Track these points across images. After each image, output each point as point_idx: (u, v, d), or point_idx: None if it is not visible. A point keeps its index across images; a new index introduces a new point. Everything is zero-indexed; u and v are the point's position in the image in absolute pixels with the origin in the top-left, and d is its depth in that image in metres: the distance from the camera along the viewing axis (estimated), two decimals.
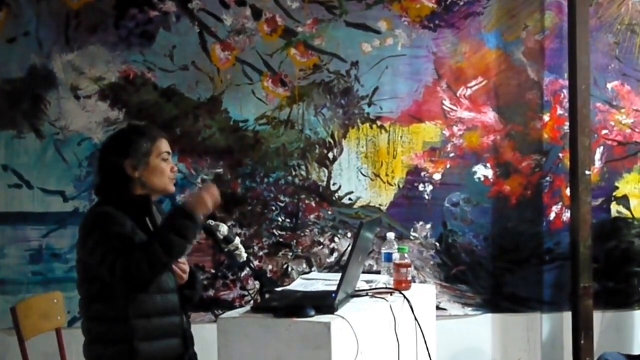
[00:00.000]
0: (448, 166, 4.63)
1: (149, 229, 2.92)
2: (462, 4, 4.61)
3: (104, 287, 2.82)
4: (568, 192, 4.64)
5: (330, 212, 4.58)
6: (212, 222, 2.93)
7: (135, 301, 2.82)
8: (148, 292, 2.83)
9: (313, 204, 4.57)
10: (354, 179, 4.60)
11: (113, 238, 2.77)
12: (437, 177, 4.63)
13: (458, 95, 4.63)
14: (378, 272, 3.50)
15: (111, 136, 3.15)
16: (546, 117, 4.68)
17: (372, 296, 3.05)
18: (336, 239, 4.58)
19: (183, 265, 3.02)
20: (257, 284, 3.00)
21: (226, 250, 2.95)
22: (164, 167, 2.95)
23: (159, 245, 2.73)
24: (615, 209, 4.73)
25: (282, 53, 4.55)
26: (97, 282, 2.83)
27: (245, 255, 2.99)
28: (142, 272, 2.72)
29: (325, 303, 2.72)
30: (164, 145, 2.98)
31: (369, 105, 4.59)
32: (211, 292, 4.46)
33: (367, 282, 3.25)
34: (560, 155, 4.68)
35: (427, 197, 4.63)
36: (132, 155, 2.90)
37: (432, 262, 4.64)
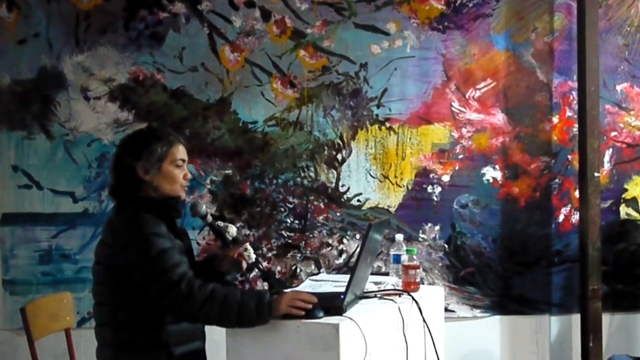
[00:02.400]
0: (456, 168, 4.63)
1: (177, 231, 2.90)
2: (470, 5, 4.61)
3: (134, 294, 2.75)
4: (577, 194, 4.63)
5: (338, 214, 4.59)
6: (221, 223, 2.94)
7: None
8: None
9: (321, 205, 4.58)
10: (363, 180, 4.60)
11: (163, 256, 2.70)
12: (446, 178, 4.63)
13: (467, 96, 4.63)
14: (386, 274, 3.50)
15: (128, 135, 3.07)
16: (555, 119, 4.68)
17: (381, 297, 3.05)
18: (344, 240, 4.58)
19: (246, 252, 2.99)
20: (266, 285, 3.01)
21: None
22: (176, 174, 2.90)
23: (219, 303, 2.66)
24: (624, 210, 4.72)
25: (291, 54, 4.56)
26: (126, 289, 2.76)
27: (253, 256, 2.99)
28: (190, 314, 2.69)
29: (333, 304, 2.72)
30: (180, 152, 2.92)
31: (378, 106, 4.59)
32: None
33: (376, 283, 3.25)
34: (569, 157, 4.67)
35: (435, 199, 4.63)
36: (145, 158, 2.85)
37: (440, 264, 4.64)
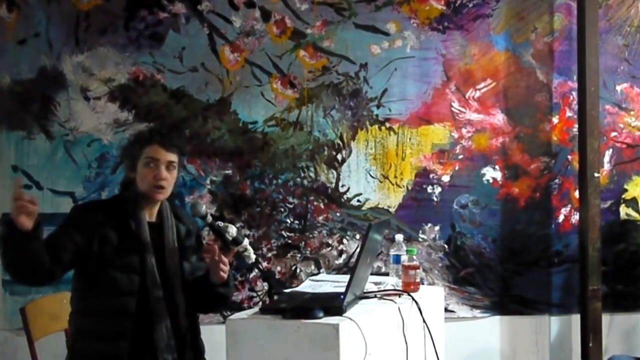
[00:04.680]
0: (456, 168, 4.63)
1: (130, 228, 2.96)
2: (470, 5, 4.61)
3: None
4: (577, 194, 4.63)
5: (338, 214, 4.58)
6: (220, 223, 2.94)
7: (87, 298, 2.93)
8: (101, 291, 2.89)
9: (321, 205, 4.57)
10: (363, 181, 4.60)
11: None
12: (446, 178, 4.63)
13: (467, 97, 4.63)
14: (386, 274, 3.51)
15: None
16: (555, 119, 4.68)
17: (380, 298, 3.05)
18: (344, 241, 4.58)
19: (224, 267, 2.98)
20: (266, 285, 3.01)
21: (235, 251, 2.95)
22: (145, 173, 2.97)
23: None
24: (624, 211, 4.72)
25: (291, 54, 4.55)
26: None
27: (253, 257, 2.99)
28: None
29: (333, 304, 2.72)
30: (150, 151, 2.99)
31: (378, 106, 4.59)
32: None
33: (376, 283, 3.25)
34: (569, 157, 4.67)
35: (435, 199, 4.63)
36: (124, 161, 3.17)
37: (440, 264, 4.64)
